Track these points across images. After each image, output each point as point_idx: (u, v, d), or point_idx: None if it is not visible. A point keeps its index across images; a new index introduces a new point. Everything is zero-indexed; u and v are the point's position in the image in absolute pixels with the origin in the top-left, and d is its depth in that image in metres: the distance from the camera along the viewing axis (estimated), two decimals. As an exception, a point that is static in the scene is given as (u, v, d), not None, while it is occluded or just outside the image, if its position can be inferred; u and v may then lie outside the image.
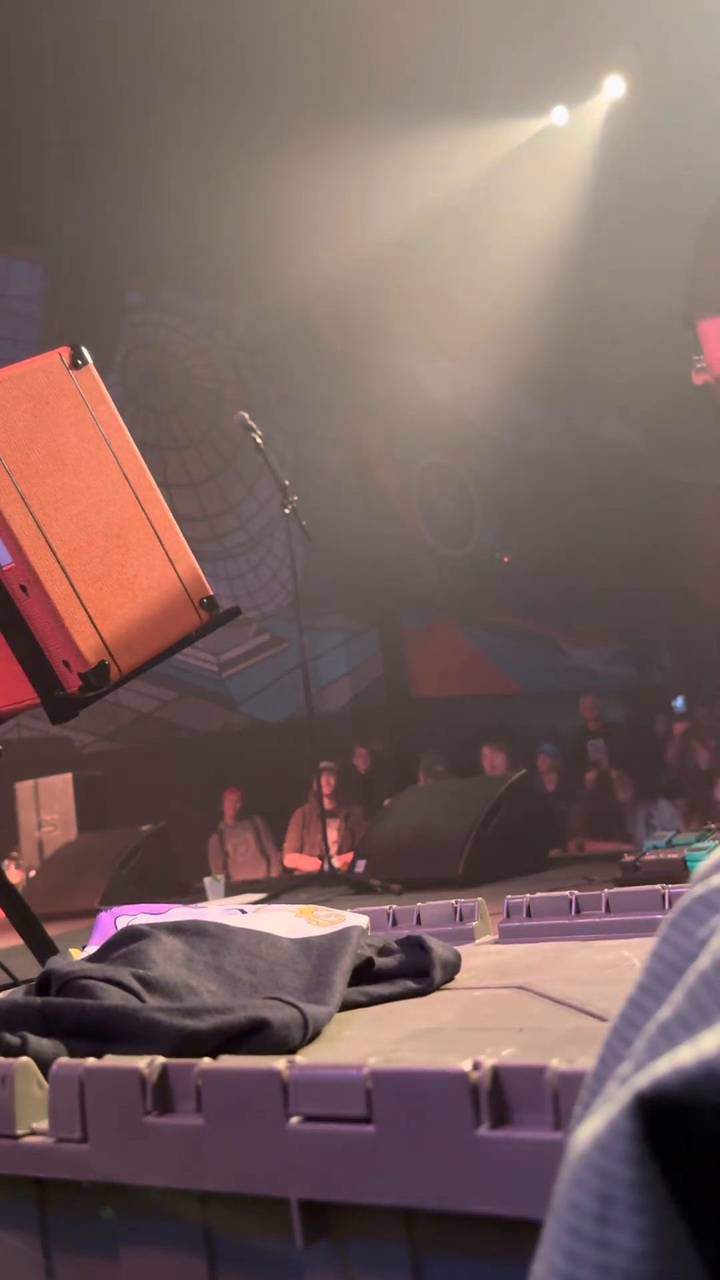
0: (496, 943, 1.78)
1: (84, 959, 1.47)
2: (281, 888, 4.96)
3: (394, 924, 1.89)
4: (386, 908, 1.93)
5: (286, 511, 4.95)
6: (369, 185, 8.90)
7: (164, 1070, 0.94)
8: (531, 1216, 0.72)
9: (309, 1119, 0.86)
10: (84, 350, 2.16)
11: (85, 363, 2.15)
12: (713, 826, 3.69)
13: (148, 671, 2.16)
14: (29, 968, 2.16)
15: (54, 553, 1.98)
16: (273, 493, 6.44)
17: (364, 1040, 1.22)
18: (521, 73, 8.54)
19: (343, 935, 1.49)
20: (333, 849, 5.50)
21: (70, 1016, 1.19)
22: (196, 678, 10.18)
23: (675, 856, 3.18)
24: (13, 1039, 1.15)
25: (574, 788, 8.11)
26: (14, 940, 2.29)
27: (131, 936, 1.42)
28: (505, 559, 11.59)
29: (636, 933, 1.61)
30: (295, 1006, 1.21)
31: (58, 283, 9.58)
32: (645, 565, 10.68)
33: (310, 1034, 1.22)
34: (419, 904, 1.91)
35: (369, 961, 1.46)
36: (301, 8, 7.93)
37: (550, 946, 1.66)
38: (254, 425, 4.84)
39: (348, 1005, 1.36)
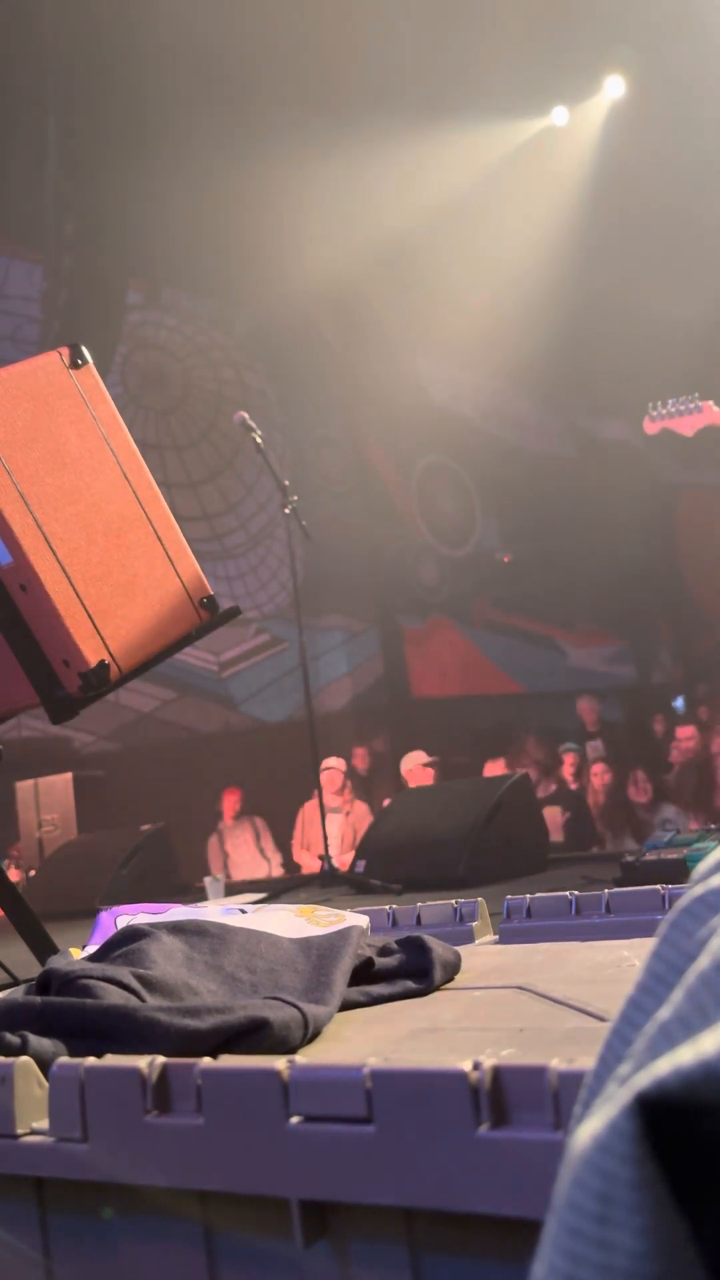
0: (497, 943, 1.78)
1: (84, 959, 1.47)
2: (281, 888, 4.96)
3: (394, 924, 1.89)
4: (386, 908, 1.93)
5: (286, 511, 4.96)
6: (369, 185, 8.90)
7: (164, 1070, 0.94)
8: (531, 1216, 0.72)
9: (309, 1119, 0.86)
10: (84, 350, 2.16)
11: (85, 362, 2.15)
12: (713, 826, 3.69)
13: (148, 671, 2.16)
14: (29, 967, 2.16)
15: (54, 552, 1.98)
16: (273, 493, 6.44)
17: (364, 1040, 1.22)
18: (521, 73, 8.54)
19: (343, 935, 1.49)
20: (334, 845, 5.50)
21: (70, 1016, 1.19)
22: (196, 678, 10.18)
23: (675, 856, 3.18)
24: (13, 1039, 1.15)
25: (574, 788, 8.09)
26: (14, 940, 2.30)
27: (131, 936, 1.42)
28: (505, 559, 11.59)
29: (636, 933, 1.61)
30: (295, 1006, 1.21)
31: (58, 283, 9.58)
32: (645, 565, 10.67)
33: (310, 1034, 1.21)
34: (419, 904, 1.91)
35: (369, 961, 1.46)
36: (302, 8, 7.94)
37: (550, 947, 1.66)
38: (254, 425, 4.84)
39: (348, 1005, 1.36)
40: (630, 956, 1.47)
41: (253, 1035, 1.16)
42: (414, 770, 7.61)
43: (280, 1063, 0.88)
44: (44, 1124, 1.01)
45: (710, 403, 4.61)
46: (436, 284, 9.77)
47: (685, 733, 7.92)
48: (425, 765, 7.63)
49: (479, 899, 1.88)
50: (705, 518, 10.61)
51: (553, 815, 6.69)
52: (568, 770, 7.95)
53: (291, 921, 1.55)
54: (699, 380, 4.95)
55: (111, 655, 2.00)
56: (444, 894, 2.86)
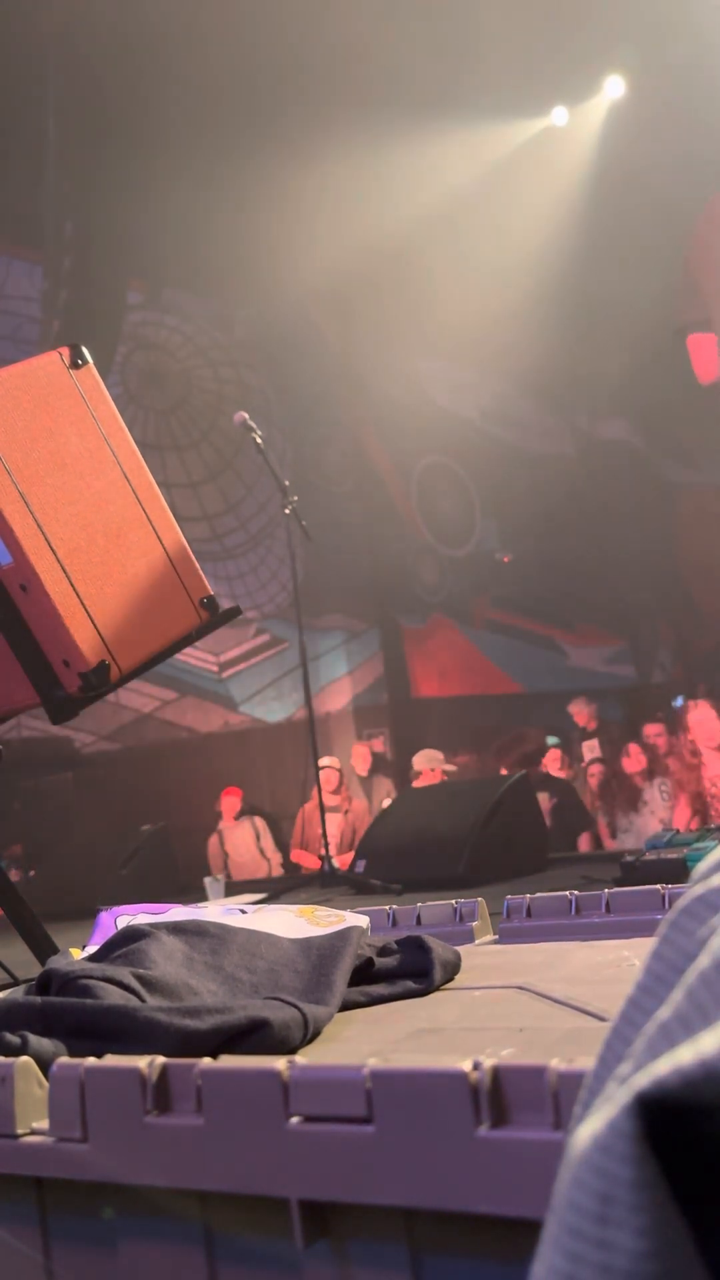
0: (497, 943, 1.78)
1: (84, 959, 1.47)
2: (281, 888, 4.96)
3: (394, 924, 1.89)
4: (386, 908, 1.93)
5: (286, 511, 4.96)
6: (369, 185, 8.90)
7: (164, 1070, 0.94)
8: (531, 1216, 0.72)
9: (309, 1119, 0.86)
10: (84, 350, 2.16)
11: (85, 362, 2.15)
12: (713, 826, 3.69)
13: (148, 671, 2.17)
14: (29, 968, 2.16)
15: (54, 552, 1.98)
16: (273, 493, 6.44)
17: (364, 1040, 1.22)
18: (521, 73, 8.54)
19: (343, 935, 1.49)
20: (334, 844, 5.48)
21: (70, 1016, 1.19)
22: (196, 678, 10.18)
23: (675, 856, 3.17)
24: (13, 1038, 1.15)
25: (574, 788, 8.09)
26: (14, 940, 2.30)
27: (131, 936, 1.42)
28: (505, 559, 11.59)
29: (636, 933, 1.61)
30: (295, 1006, 1.21)
31: (58, 283, 9.57)
32: (645, 565, 10.67)
33: (310, 1034, 1.21)
34: (419, 904, 1.91)
35: (369, 962, 1.46)
36: (301, 8, 7.93)
37: (550, 946, 1.66)
38: (254, 425, 4.84)
39: (348, 1005, 1.36)
40: (630, 956, 1.47)
41: (253, 1035, 1.16)
42: (434, 770, 7.59)
43: (280, 1063, 0.88)
44: (44, 1124, 1.01)
45: None
46: (436, 284, 9.77)
47: (655, 728, 7.91)
48: (443, 770, 7.60)
49: (479, 899, 1.88)
50: (705, 518, 10.61)
51: (541, 800, 6.65)
52: (552, 764, 7.96)
53: (292, 922, 1.55)
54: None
55: (112, 655, 2.00)
56: (444, 894, 2.86)
